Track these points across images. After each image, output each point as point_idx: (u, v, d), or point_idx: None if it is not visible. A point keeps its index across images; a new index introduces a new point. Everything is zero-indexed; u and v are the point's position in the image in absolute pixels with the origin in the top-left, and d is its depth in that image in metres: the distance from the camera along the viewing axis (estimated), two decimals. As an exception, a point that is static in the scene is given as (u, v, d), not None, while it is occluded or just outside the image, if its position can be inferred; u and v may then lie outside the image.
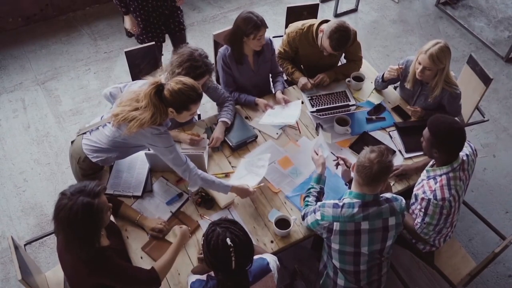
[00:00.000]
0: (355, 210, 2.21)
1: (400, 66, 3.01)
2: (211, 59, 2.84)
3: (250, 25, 2.87)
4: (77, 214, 1.92)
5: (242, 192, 2.59)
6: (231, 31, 3.02)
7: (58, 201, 1.97)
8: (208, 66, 2.69)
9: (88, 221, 1.96)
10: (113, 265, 2.10)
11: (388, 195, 2.34)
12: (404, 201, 2.35)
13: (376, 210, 2.23)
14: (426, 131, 2.42)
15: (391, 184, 2.71)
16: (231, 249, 1.78)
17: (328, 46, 2.99)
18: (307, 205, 2.47)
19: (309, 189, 2.56)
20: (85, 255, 2.02)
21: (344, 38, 2.95)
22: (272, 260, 2.07)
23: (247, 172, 2.77)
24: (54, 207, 1.97)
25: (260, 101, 3.12)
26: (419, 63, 2.80)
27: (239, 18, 2.92)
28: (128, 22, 3.56)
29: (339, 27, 2.92)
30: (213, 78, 3.09)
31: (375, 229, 2.25)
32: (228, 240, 1.79)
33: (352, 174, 2.34)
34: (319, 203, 2.34)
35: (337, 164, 2.69)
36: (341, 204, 2.25)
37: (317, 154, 2.68)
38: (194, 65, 2.62)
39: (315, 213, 2.32)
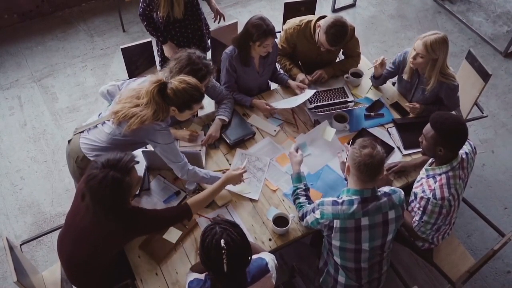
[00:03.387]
0: (355, 206, 2.20)
1: (381, 60, 3.04)
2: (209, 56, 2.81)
3: (259, 32, 2.83)
4: (106, 188, 1.98)
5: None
6: (240, 34, 2.97)
7: (89, 168, 2.04)
8: (208, 68, 2.65)
9: (116, 196, 2.02)
10: (146, 218, 2.21)
11: (385, 188, 2.32)
12: (402, 192, 2.34)
13: (375, 205, 2.22)
14: (428, 130, 2.37)
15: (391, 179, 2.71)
16: (223, 251, 1.75)
17: (325, 41, 2.96)
18: (301, 207, 2.45)
19: (295, 191, 2.53)
20: (116, 219, 2.10)
21: (340, 33, 2.93)
22: (270, 260, 2.05)
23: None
24: (85, 173, 2.05)
25: (259, 102, 3.08)
26: (414, 49, 2.83)
27: (250, 23, 2.88)
28: (168, 50, 3.38)
29: (336, 22, 2.90)
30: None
31: (375, 224, 2.24)
32: (222, 241, 1.76)
33: (348, 176, 2.31)
34: (317, 201, 2.32)
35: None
36: (340, 201, 2.24)
37: (297, 152, 2.63)
38: (195, 69, 2.57)
39: (314, 212, 2.30)
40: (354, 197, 2.22)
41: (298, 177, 2.55)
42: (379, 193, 2.26)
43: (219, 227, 1.82)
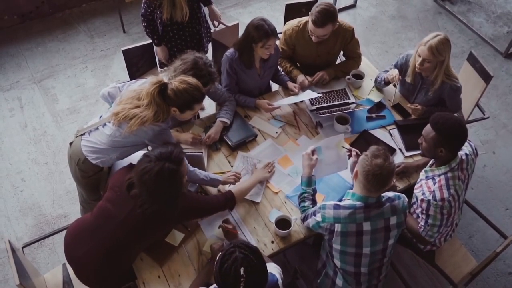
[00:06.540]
0: (357, 211, 2.19)
1: (396, 76, 2.99)
2: (209, 57, 2.80)
3: (260, 32, 2.82)
4: (164, 180, 2.06)
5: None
6: (242, 37, 2.96)
7: (141, 162, 2.10)
8: (211, 76, 2.64)
9: (173, 186, 2.11)
10: (196, 205, 2.32)
11: (390, 194, 2.31)
12: (406, 199, 2.33)
13: (377, 211, 2.21)
14: (428, 131, 2.37)
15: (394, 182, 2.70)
16: (241, 279, 1.70)
17: (311, 23, 2.92)
18: (304, 210, 2.43)
19: (302, 194, 2.49)
20: (171, 207, 2.17)
21: (325, 11, 2.87)
22: (278, 274, 2.01)
23: (246, 171, 2.77)
24: (137, 167, 2.10)
25: (261, 102, 3.07)
26: (419, 55, 2.79)
27: (251, 25, 2.87)
28: (161, 52, 3.41)
29: (322, 3, 2.89)
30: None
31: (377, 229, 2.23)
32: (242, 269, 1.70)
33: (354, 181, 2.28)
34: (319, 205, 2.31)
35: (350, 155, 2.61)
36: (342, 204, 2.23)
37: (312, 155, 2.56)
38: (198, 74, 2.55)
39: (315, 215, 2.30)
40: (357, 202, 2.21)
41: (308, 181, 2.49)
42: (383, 199, 2.25)
43: (240, 252, 1.74)
